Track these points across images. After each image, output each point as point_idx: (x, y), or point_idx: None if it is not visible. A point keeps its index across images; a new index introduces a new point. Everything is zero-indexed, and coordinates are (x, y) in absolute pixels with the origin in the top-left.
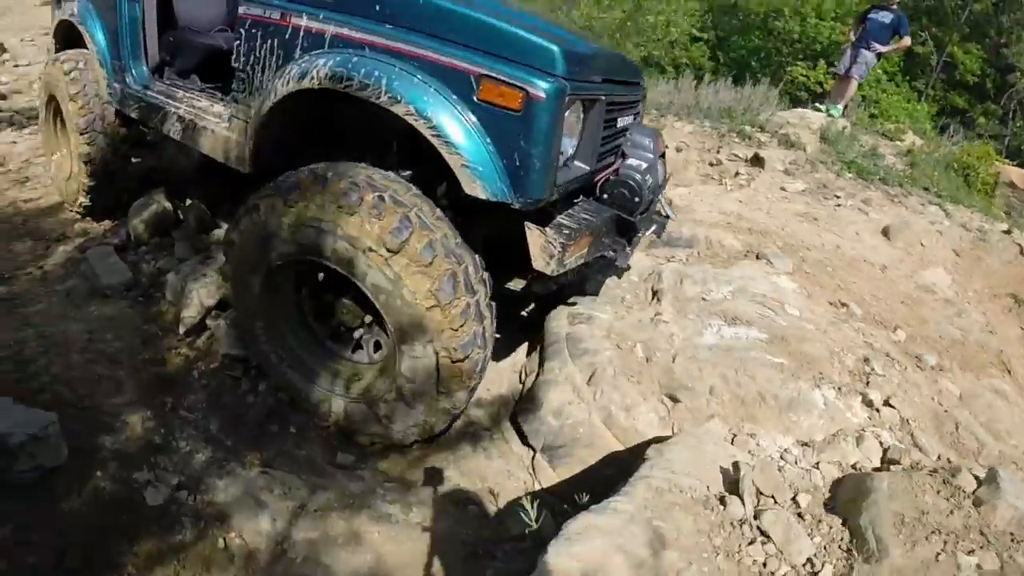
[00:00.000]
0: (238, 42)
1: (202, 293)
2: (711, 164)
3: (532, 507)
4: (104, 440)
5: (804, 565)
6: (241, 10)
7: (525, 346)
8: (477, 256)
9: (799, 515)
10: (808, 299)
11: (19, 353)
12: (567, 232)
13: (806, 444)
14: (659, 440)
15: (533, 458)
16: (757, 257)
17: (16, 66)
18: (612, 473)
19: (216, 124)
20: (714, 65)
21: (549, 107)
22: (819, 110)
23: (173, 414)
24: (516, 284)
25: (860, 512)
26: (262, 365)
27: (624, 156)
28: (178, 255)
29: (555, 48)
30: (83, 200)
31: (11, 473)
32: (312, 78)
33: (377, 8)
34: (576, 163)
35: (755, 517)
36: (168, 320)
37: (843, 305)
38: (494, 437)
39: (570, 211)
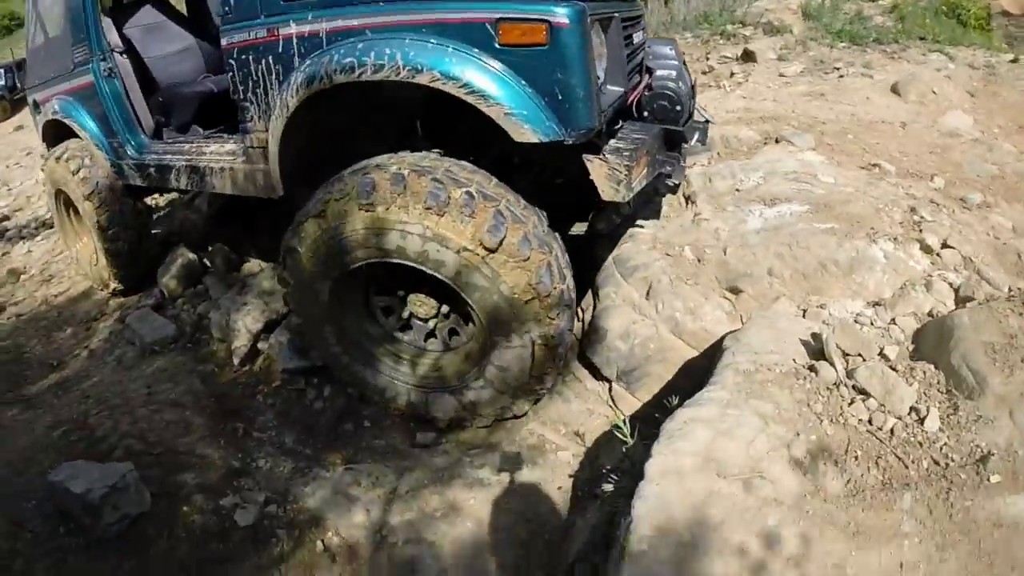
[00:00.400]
0: (231, 73)
1: (247, 321)
2: (703, 72)
3: (625, 423)
4: (185, 478)
5: (909, 414)
6: (224, 41)
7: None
8: (557, 237)
9: (892, 368)
10: (838, 167)
11: (83, 424)
12: (627, 154)
13: (877, 304)
14: (730, 334)
15: (610, 389)
16: (776, 141)
17: (10, 190)
18: (692, 383)
19: (232, 161)
20: None
21: (575, 31)
22: None
23: (247, 438)
24: (579, 229)
25: (949, 352)
26: (331, 366)
27: (650, 71)
28: (214, 297)
29: None
30: (115, 285)
31: (99, 529)
32: (322, 79)
33: None
34: (609, 87)
35: (848, 377)
36: (221, 356)
37: (874, 166)
38: (567, 380)
39: (618, 136)
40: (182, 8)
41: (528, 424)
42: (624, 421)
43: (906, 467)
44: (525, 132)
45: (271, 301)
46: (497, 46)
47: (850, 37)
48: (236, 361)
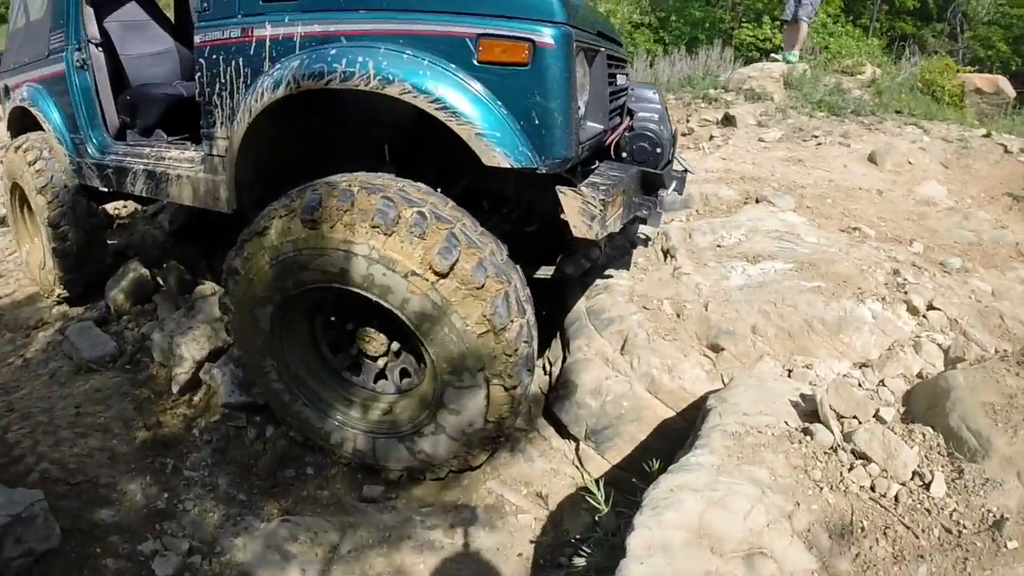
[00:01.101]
0: (199, 73)
1: (191, 347)
2: (684, 134)
3: (599, 489)
4: (102, 514)
5: (912, 479)
6: (197, 39)
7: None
8: (519, 270)
9: (891, 430)
10: (820, 229)
11: (1, 440)
12: (603, 188)
13: (865, 365)
14: (713, 393)
15: (577, 449)
16: (757, 201)
17: None
18: (669, 445)
19: (189, 169)
20: (661, 48)
21: (560, 53)
22: (776, 60)
23: (176, 476)
24: (545, 272)
25: (946, 414)
26: (272, 405)
27: (631, 113)
28: (162, 318)
29: None
30: (60, 291)
31: None
32: (288, 83)
33: None
34: (589, 123)
35: (846, 440)
36: (160, 382)
37: (854, 229)
38: (530, 437)
39: (595, 173)
40: (170, 11)
41: (486, 482)
42: (596, 484)
43: (916, 537)
44: (496, 156)
45: (219, 328)
46: (476, 63)
47: (829, 108)
48: (175, 389)
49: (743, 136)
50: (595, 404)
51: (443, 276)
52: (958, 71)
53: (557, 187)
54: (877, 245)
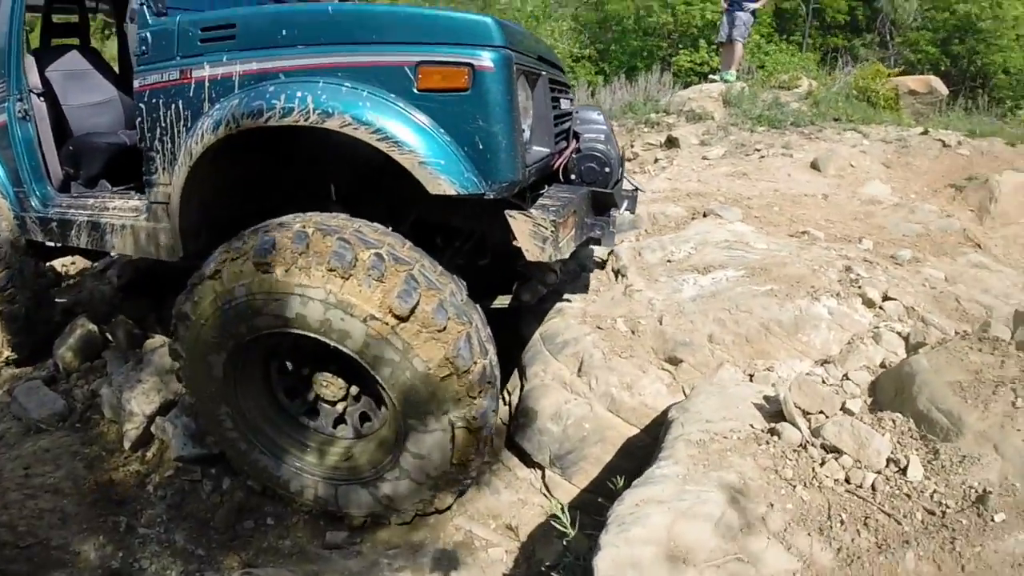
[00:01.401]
0: (139, 119)
1: (141, 401)
2: (629, 159)
3: (563, 511)
4: None
5: (887, 467)
6: (137, 83)
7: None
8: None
9: (860, 420)
10: (769, 236)
11: None
12: (554, 210)
13: (827, 361)
14: (674, 405)
15: (544, 476)
16: (704, 216)
17: None
18: (635, 463)
19: (134, 219)
20: (602, 78)
21: (500, 77)
22: (715, 80)
23: (131, 534)
24: (502, 302)
25: (913, 398)
26: (228, 454)
27: (577, 136)
28: (110, 374)
29: (489, 20)
30: (8, 353)
31: None
32: (227, 123)
33: (283, 33)
34: (535, 148)
35: (815, 435)
36: (111, 439)
37: (803, 233)
38: (495, 469)
39: (544, 196)
40: (114, 61)
41: (454, 519)
42: (562, 509)
43: (899, 523)
44: (441, 183)
45: (169, 380)
46: (416, 91)
47: (769, 121)
48: (126, 446)
49: (687, 156)
50: (557, 429)
51: (403, 320)
52: (889, 75)
53: (506, 211)
54: (827, 246)
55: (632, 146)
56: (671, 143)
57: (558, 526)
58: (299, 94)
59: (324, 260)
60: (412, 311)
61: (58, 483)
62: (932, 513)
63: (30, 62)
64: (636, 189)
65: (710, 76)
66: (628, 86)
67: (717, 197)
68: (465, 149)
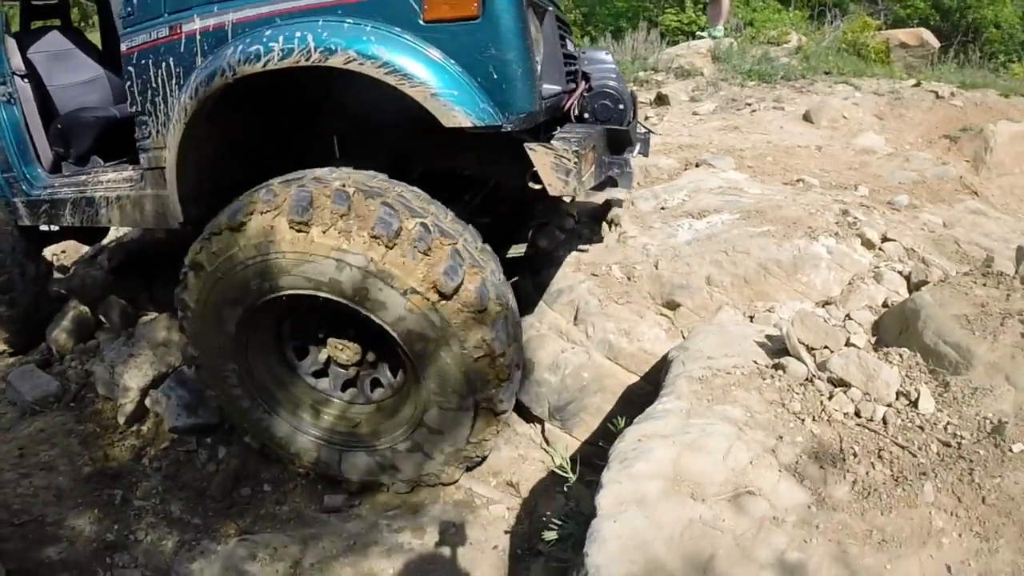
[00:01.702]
0: (129, 83)
1: (134, 375)
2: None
3: (563, 458)
4: (49, 552)
5: (897, 400)
6: (124, 47)
7: None
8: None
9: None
10: (763, 184)
11: None
12: (575, 141)
13: (828, 303)
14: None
15: (543, 430)
16: (696, 166)
17: None
18: (637, 412)
19: (129, 189)
20: (588, 40)
21: (511, 1)
22: (702, 36)
23: (126, 507)
24: (517, 250)
25: (919, 334)
26: (227, 411)
27: (586, 76)
28: (104, 352)
29: None
30: (4, 348)
31: None
32: (223, 73)
33: None
34: (546, 85)
35: (821, 369)
36: (107, 415)
37: (798, 181)
38: None
39: (559, 133)
40: (96, 38)
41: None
42: (563, 456)
43: (914, 455)
44: (456, 115)
45: (163, 353)
46: (422, 23)
47: (759, 76)
48: (121, 420)
49: (677, 112)
50: (555, 380)
51: (446, 298)
52: (878, 28)
53: (526, 144)
54: (823, 192)
55: None
56: (661, 100)
57: (559, 472)
58: (298, 34)
59: (367, 225)
60: (456, 290)
61: (53, 461)
62: (947, 445)
63: (11, 44)
64: (648, 132)
65: (698, 33)
66: (615, 45)
67: (709, 149)
68: (479, 80)
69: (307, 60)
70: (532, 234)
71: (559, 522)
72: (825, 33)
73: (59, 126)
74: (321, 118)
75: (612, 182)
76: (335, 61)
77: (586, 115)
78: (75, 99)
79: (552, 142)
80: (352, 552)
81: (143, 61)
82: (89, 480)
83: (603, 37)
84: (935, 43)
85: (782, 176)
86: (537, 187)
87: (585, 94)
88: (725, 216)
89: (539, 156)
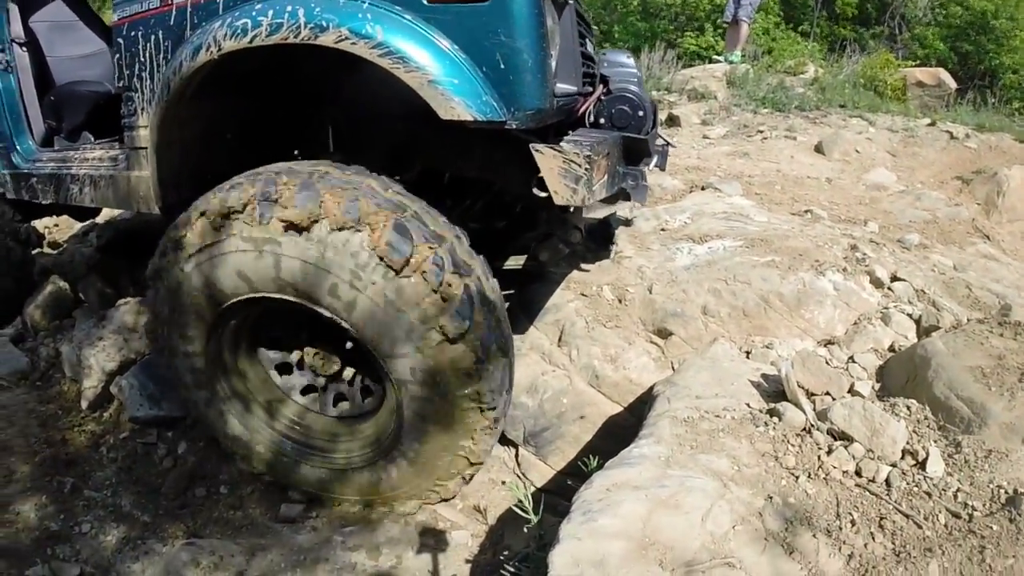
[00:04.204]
0: (117, 55)
1: (101, 358)
2: None
3: (526, 496)
4: None
5: (903, 459)
6: (115, 17)
7: None
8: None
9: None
10: (770, 212)
11: None
12: (588, 145)
13: (830, 342)
14: (665, 379)
15: (517, 455)
16: (703, 189)
17: None
18: (617, 445)
19: (113, 168)
20: None
21: None
22: (719, 61)
23: (76, 496)
24: (516, 262)
25: (929, 384)
26: (193, 412)
27: (605, 79)
28: (75, 331)
29: None
30: None
31: None
32: (208, 48)
33: None
34: (560, 84)
35: (821, 419)
36: (70, 398)
37: (806, 212)
38: None
39: (570, 136)
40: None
41: None
42: (525, 494)
43: (919, 527)
44: (455, 107)
45: (132, 339)
46: (426, 3)
47: (773, 104)
48: (84, 405)
49: (688, 134)
50: (532, 403)
51: (453, 341)
52: (899, 66)
53: (532, 145)
54: (831, 225)
55: None
56: (672, 121)
57: (519, 511)
58: (289, 8)
59: (377, 247)
60: (464, 332)
61: (8, 440)
62: (957, 516)
63: (13, 10)
64: (667, 144)
65: (714, 58)
66: None
67: (717, 172)
68: (484, 69)
69: (296, 37)
70: (535, 247)
71: (514, 568)
72: (843, 66)
73: (52, 98)
74: (315, 106)
75: (625, 195)
76: (326, 39)
77: (602, 120)
78: (74, 72)
79: (562, 145)
80: (300, 567)
81: (132, 33)
82: (43, 464)
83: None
84: (952, 84)
85: (790, 206)
86: (543, 195)
87: (602, 98)
88: (728, 242)
89: (546, 160)
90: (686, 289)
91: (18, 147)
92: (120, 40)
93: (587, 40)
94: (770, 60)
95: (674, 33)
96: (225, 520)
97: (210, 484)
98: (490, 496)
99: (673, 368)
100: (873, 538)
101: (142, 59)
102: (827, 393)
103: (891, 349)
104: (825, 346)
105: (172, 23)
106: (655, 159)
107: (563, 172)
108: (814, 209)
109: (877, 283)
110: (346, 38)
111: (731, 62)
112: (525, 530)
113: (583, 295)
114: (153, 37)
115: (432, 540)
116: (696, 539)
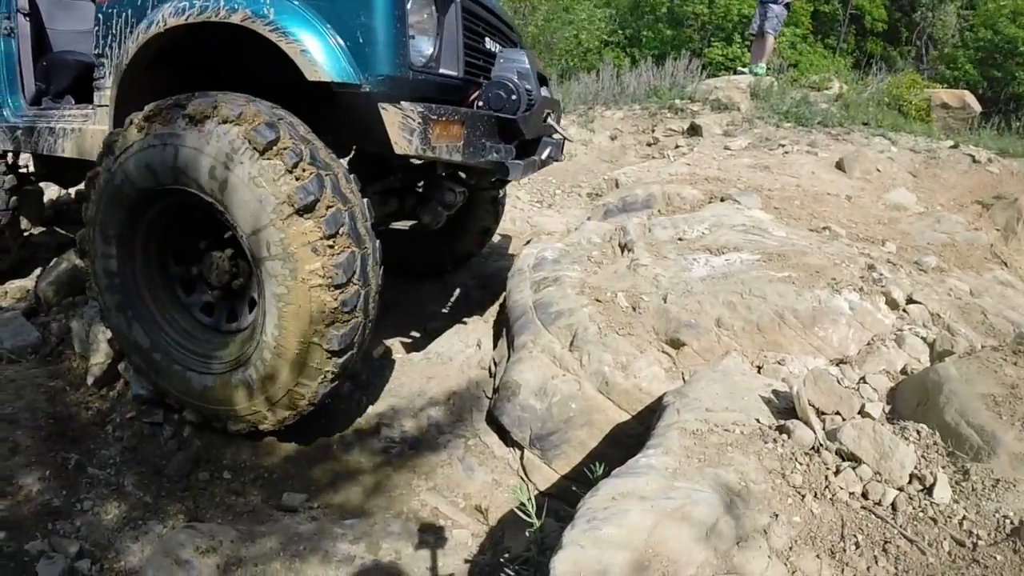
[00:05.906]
0: (96, 28)
1: (109, 335)
2: (649, 144)
3: (529, 499)
4: None
5: (910, 483)
6: None
7: (486, 336)
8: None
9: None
10: (788, 227)
11: None
12: (433, 107)
13: (843, 361)
14: (675, 389)
15: (522, 457)
16: (722, 200)
17: None
18: (624, 453)
19: (83, 122)
20: (629, 60)
21: None
22: (743, 72)
23: (79, 473)
24: (402, 224)
25: (940, 410)
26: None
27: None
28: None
29: None
30: None
31: None
32: (157, 23)
33: None
34: (441, 69)
35: (830, 439)
36: (78, 374)
37: (824, 229)
38: (470, 444)
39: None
40: None
41: (420, 493)
42: (529, 497)
43: (923, 553)
44: (318, 71)
45: None
46: None
47: (796, 118)
48: (90, 381)
49: (709, 145)
50: (540, 406)
51: (301, 214)
52: (925, 87)
53: (379, 104)
54: (850, 243)
55: (653, 131)
56: (694, 131)
57: (521, 514)
58: None
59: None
60: (309, 209)
61: (16, 414)
62: (962, 544)
63: None
64: (564, 139)
65: (739, 69)
66: (655, 70)
67: (737, 184)
68: (347, 42)
69: (215, 16)
70: (416, 210)
71: (513, 571)
72: (868, 84)
73: (44, 64)
74: (259, 90)
75: (503, 168)
76: (235, 18)
77: (480, 103)
78: (69, 44)
79: (402, 104)
80: (295, 556)
81: (110, 11)
82: (48, 439)
83: (644, 60)
84: (977, 107)
85: (808, 222)
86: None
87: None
88: (745, 255)
89: (389, 115)
90: (701, 300)
91: (10, 103)
92: (100, 15)
93: (487, 39)
94: (795, 74)
95: (700, 43)
96: (226, 505)
97: (213, 468)
98: (493, 497)
99: (683, 379)
100: (876, 562)
101: (114, 32)
102: (837, 413)
103: (903, 372)
104: (837, 365)
105: (139, 4)
106: (548, 149)
107: (401, 125)
108: (832, 226)
109: (893, 304)
110: (249, 18)
111: (756, 74)
112: (526, 533)
113: (597, 300)
114: (125, 14)
115: (432, 537)
116: (700, 552)
